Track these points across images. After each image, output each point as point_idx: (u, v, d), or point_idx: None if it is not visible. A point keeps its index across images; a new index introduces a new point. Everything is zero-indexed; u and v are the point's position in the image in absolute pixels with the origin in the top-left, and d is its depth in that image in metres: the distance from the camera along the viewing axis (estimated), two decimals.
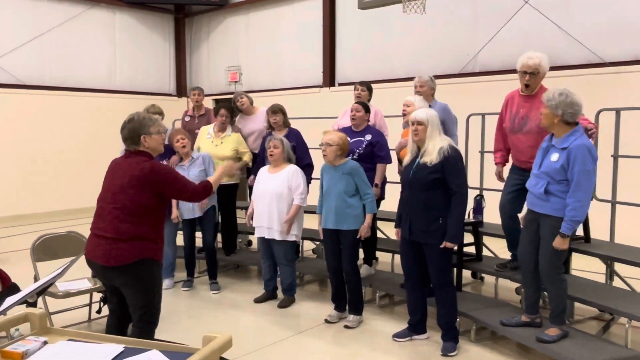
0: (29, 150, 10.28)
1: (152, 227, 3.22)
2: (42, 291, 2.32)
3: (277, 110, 5.79)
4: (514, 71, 7.43)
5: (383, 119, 5.63)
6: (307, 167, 5.53)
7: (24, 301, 2.33)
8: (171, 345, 1.86)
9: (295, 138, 5.61)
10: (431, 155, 3.95)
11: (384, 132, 5.48)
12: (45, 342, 1.93)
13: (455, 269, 4.89)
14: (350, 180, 4.52)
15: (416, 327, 4.37)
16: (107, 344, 1.91)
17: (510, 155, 4.66)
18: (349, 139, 5.18)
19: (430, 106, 5.19)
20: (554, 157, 3.67)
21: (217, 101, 12.20)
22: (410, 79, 8.92)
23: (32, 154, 10.32)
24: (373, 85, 6.06)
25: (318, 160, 4.98)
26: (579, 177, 3.53)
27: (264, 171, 5.23)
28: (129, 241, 3.13)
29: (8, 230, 8.68)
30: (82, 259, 3.21)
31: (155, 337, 3.38)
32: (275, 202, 4.99)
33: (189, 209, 5.55)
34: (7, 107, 10.02)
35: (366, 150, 5.15)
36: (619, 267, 4.68)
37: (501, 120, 4.62)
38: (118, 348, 1.88)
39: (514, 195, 4.47)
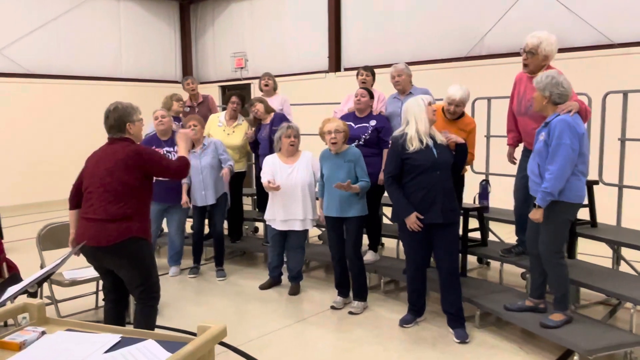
0: (35, 139, 10.34)
1: (138, 207, 3.35)
2: (43, 281, 2.34)
3: (254, 102, 5.91)
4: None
5: (384, 104, 5.59)
6: None
7: (24, 291, 2.35)
8: (167, 335, 1.87)
9: (280, 122, 5.65)
10: (440, 137, 4.05)
11: None
12: (43, 332, 1.95)
13: (460, 255, 4.89)
14: (352, 167, 4.50)
15: (420, 311, 4.39)
16: (104, 334, 1.93)
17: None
18: (352, 124, 5.19)
19: (410, 93, 5.20)
20: (541, 136, 3.70)
21: (223, 88, 12.20)
22: (417, 62, 8.98)
23: (38, 142, 10.39)
24: (379, 70, 6.01)
25: (315, 146, 4.94)
26: (554, 149, 3.57)
27: (276, 161, 5.02)
28: (118, 221, 3.25)
29: (16, 219, 8.76)
30: None
31: (160, 324, 3.42)
32: (308, 193, 4.95)
33: (201, 197, 5.52)
34: (13, 96, 10.07)
35: (372, 135, 5.13)
36: (626, 251, 4.64)
37: (512, 101, 4.57)
38: (115, 338, 1.89)
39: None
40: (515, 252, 4.69)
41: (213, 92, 11.10)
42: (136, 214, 3.34)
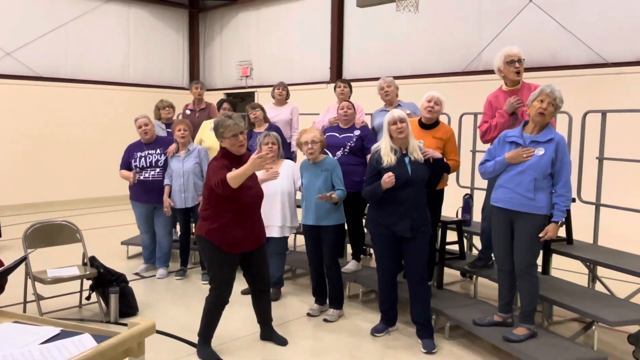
0: (43, 141, 10.58)
1: (212, 211, 3.80)
2: (2, 276, 2.48)
3: (256, 106, 5.97)
4: None
5: (364, 115, 5.76)
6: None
7: None
8: (102, 330, 1.98)
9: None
10: (416, 151, 4.10)
11: None
12: None
13: (435, 267, 4.95)
14: (329, 176, 4.60)
15: (392, 320, 4.47)
16: (46, 327, 2.04)
17: None
18: (336, 134, 5.32)
19: (398, 105, 5.32)
20: (539, 151, 3.73)
21: (229, 95, 12.39)
22: (416, 76, 9.07)
23: (46, 144, 10.62)
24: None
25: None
26: (567, 167, 3.72)
27: None
28: (201, 220, 3.90)
29: (17, 218, 8.97)
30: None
31: (128, 321, 3.53)
32: (288, 201, 5.03)
33: (181, 199, 5.68)
34: (22, 98, 10.33)
35: (357, 143, 5.25)
36: (601, 268, 4.67)
37: (487, 117, 4.67)
38: (55, 330, 2.01)
39: None
40: (479, 265, 4.77)
41: (207, 100, 11.28)
42: (210, 216, 3.81)
